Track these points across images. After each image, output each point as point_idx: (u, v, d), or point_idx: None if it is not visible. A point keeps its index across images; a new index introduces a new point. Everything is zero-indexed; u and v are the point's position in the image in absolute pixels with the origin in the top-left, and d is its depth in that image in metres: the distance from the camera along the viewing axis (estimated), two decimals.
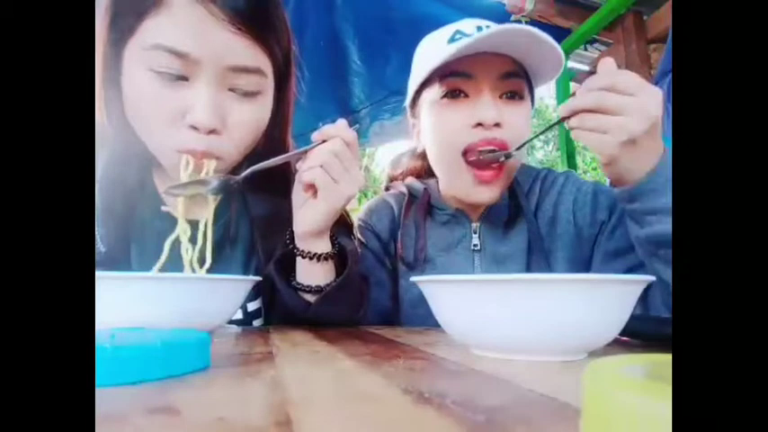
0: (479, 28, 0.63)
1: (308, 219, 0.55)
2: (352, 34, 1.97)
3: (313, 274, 0.57)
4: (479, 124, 0.61)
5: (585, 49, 2.38)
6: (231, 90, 0.53)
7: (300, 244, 0.57)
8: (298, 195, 0.56)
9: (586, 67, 2.50)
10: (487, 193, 0.64)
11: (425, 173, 0.78)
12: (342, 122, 0.54)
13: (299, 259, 0.57)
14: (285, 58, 0.58)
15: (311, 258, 0.56)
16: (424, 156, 0.75)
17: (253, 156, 0.60)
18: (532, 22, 2.05)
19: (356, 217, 0.79)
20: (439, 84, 0.64)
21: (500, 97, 0.63)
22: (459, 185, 0.66)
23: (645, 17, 2.09)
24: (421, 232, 0.72)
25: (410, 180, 0.79)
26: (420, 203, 0.74)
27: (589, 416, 0.13)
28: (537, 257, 0.69)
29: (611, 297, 0.33)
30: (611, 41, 2.23)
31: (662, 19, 2.00)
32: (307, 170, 0.53)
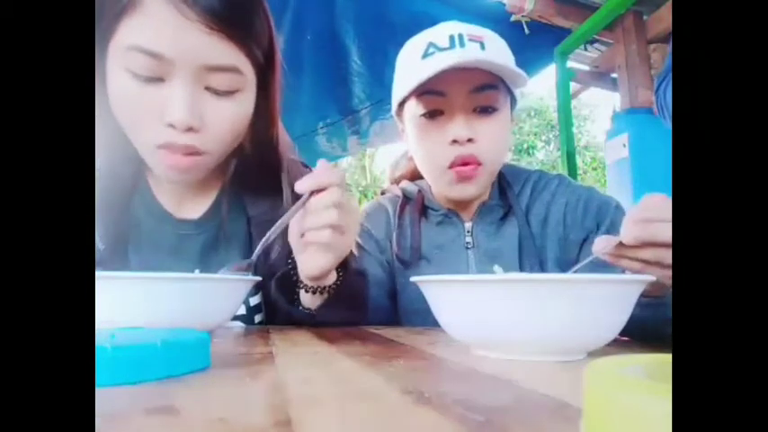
0: (452, 37, 0.64)
1: (316, 267, 0.52)
2: (353, 34, 1.97)
3: (315, 302, 0.58)
4: (455, 141, 0.65)
5: (585, 49, 2.38)
6: (208, 89, 0.53)
7: (308, 280, 0.56)
8: (296, 241, 0.53)
9: (586, 67, 2.50)
10: (469, 190, 0.68)
11: (420, 174, 0.81)
12: (324, 165, 0.52)
13: (302, 291, 0.57)
14: (267, 54, 0.58)
15: (314, 292, 0.56)
16: None
17: (239, 151, 0.61)
18: (533, 22, 2.05)
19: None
20: (416, 100, 0.67)
21: (474, 111, 0.66)
22: (443, 184, 0.70)
23: (645, 17, 2.09)
24: (416, 231, 0.75)
25: (404, 183, 0.82)
26: (414, 204, 0.77)
27: (589, 416, 0.13)
28: (528, 254, 0.71)
29: (611, 297, 0.33)
30: (611, 41, 2.23)
31: (662, 19, 2.00)
32: (316, 231, 0.50)
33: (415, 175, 0.82)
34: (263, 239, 0.51)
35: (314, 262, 0.52)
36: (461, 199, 0.71)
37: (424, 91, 0.65)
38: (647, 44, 2.06)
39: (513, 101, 0.72)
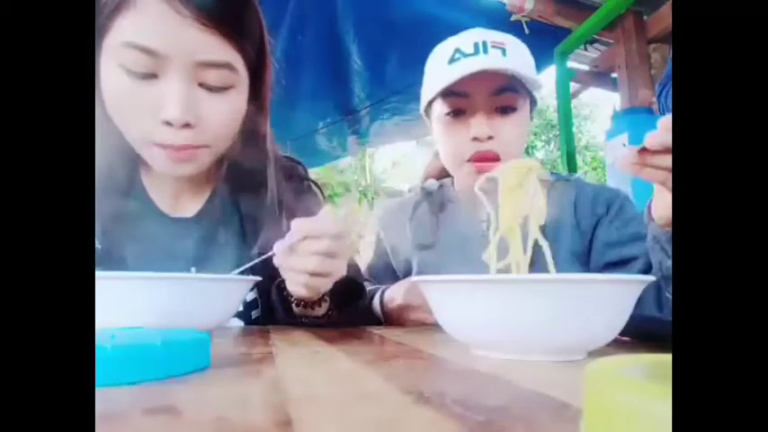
0: (476, 44, 0.69)
1: (296, 293, 0.53)
2: (353, 34, 1.97)
3: (306, 312, 0.59)
4: (476, 138, 0.70)
5: (585, 49, 2.38)
6: (202, 85, 0.54)
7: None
8: (281, 265, 0.54)
9: (586, 67, 2.50)
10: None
11: (447, 172, 0.86)
12: (326, 212, 0.52)
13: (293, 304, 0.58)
14: (258, 51, 0.59)
15: (305, 307, 0.57)
16: None
17: (230, 148, 0.62)
18: (532, 22, 2.04)
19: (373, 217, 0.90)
20: (442, 101, 0.72)
21: (495, 110, 0.71)
22: (464, 175, 0.75)
23: (645, 17, 2.09)
24: (435, 219, 0.80)
25: (429, 181, 0.88)
26: (435, 197, 0.83)
27: (590, 416, 0.13)
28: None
29: (611, 297, 0.33)
30: (611, 41, 2.23)
31: (662, 19, 2.00)
32: (296, 275, 0.50)
33: (441, 174, 0.88)
34: (239, 269, 0.52)
35: (294, 288, 0.52)
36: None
37: (449, 92, 0.70)
38: (647, 44, 2.06)
39: (533, 102, 0.76)
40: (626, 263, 0.65)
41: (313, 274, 0.50)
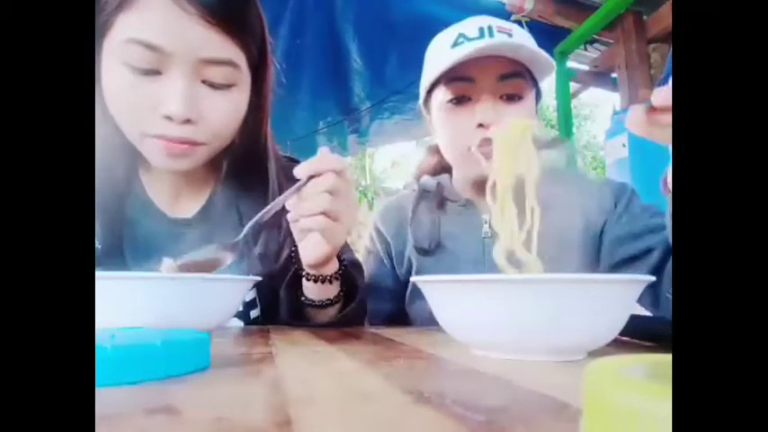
0: (481, 29, 0.66)
1: (313, 254, 0.53)
2: (352, 34, 1.97)
3: (319, 292, 0.59)
4: (481, 125, 0.66)
5: (585, 49, 2.38)
6: (204, 82, 0.54)
7: (308, 269, 0.57)
8: (295, 228, 0.54)
9: (586, 67, 2.50)
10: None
11: (441, 168, 0.83)
12: (324, 152, 0.51)
13: (305, 280, 0.58)
14: (260, 50, 0.59)
15: (316, 281, 0.57)
16: (439, 150, 0.80)
17: (229, 147, 0.62)
18: (532, 22, 2.04)
19: (372, 217, 0.86)
20: (445, 87, 0.68)
21: (501, 98, 0.68)
22: (467, 166, 0.71)
23: (645, 17, 2.09)
24: (435, 220, 0.77)
25: (425, 178, 0.84)
26: (433, 196, 0.79)
27: (589, 416, 0.13)
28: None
29: (611, 297, 0.33)
30: (611, 41, 2.23)
31: (662, 19, 2.00)
32: (308, 218, 0.50)
33: (436, 171, 0.85)
34: (254, 219, 0.51)
35: (310, 249, 0.53)
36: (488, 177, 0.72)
37: (453, 77, 0.67)
38: (646, 44, 2.06)
39: (539, 95, 0.73)
40: (642, 255, 0.63)
41: (326, 214, 0.49)
